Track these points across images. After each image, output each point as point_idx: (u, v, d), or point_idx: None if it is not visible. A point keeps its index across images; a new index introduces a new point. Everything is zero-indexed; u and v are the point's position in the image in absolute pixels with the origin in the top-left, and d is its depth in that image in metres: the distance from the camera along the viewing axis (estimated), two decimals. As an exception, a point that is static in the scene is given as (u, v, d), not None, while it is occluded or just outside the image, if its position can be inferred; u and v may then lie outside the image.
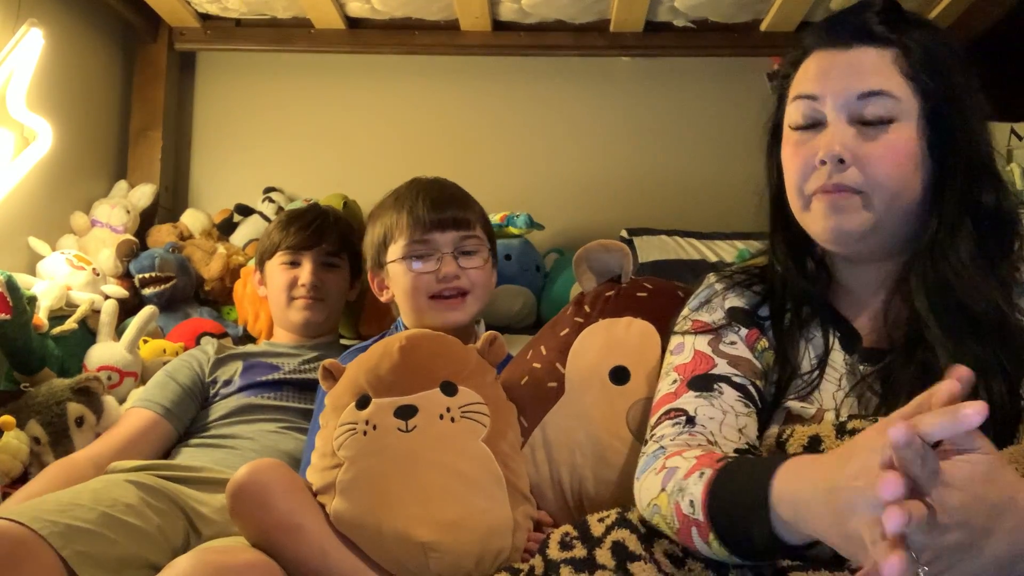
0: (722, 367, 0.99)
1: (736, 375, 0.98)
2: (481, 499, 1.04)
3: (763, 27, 2.19)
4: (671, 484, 0.84)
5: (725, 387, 0.97)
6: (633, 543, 0.89)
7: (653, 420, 0.98)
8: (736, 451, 0.91)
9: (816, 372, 0.97)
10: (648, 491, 0.88)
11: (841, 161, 0.91)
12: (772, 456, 0.79)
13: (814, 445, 0.89)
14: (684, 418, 0.94)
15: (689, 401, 0.96)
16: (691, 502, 0.80)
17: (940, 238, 0.91)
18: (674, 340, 1.06)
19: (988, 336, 0.87)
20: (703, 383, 0.97)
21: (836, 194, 0.93)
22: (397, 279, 1.40)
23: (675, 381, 1.00)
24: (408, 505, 1.01)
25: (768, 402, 0.99)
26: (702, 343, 1.02)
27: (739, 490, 0.76)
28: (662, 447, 0.92)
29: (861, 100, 0.92)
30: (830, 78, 0.94)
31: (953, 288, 0.90)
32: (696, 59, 2.30)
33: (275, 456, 1.36)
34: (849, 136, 0.92)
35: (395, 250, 1.40)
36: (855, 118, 0.92)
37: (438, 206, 1.39)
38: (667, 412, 0.97)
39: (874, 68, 0.92)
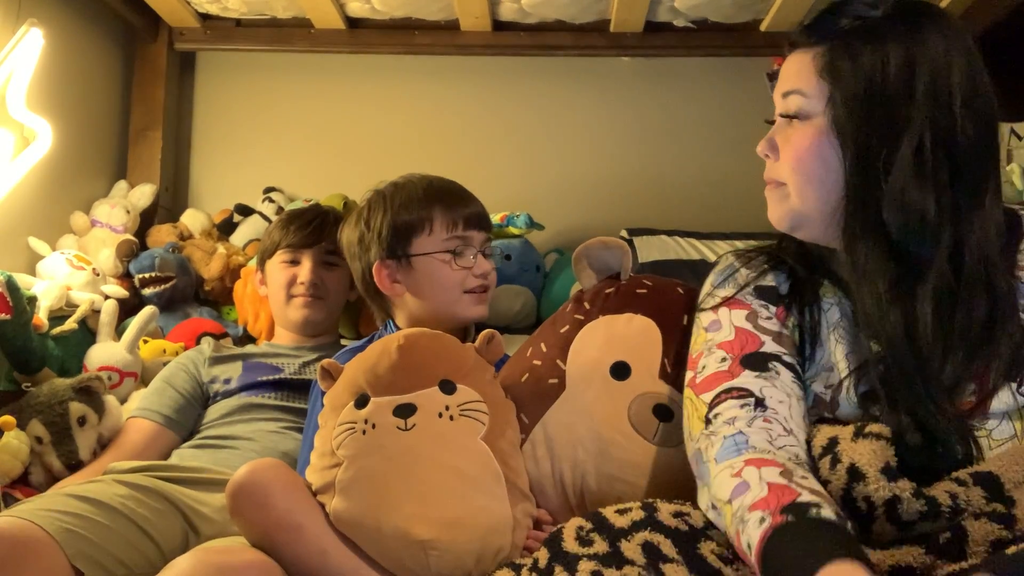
0: (769, 345, 1.00)
1: (785, 354, 1.00)
2: (481, 497, 1.04)
3: (763, 27, 2.19)
4: (737, 503, 0.84)
5: (780, 367, 0.98)
6: (667, 547, 0.88)
7: (708, 396, 0.97)
8: (806, 440, 0.94)
9: (811, 331, 1.01)
10: (720, 490, 0.88)
11: (767, 156, 1.02)
12: (824, 540, 0.77)
13: (831, 447, 0.90)
14: (752, 400, 0.94)
15: (751, 381, 0.96)
16: (748, 544, 0.81)
17: (858, 230, 0.95)
18: (706, 317, 1.06)
19: (886, 344, 0.92)
20: (758, 362, 0.98)
21: (767, 186, 1.04)
22: (429, 271, 1.40)
23: (725, 359, 0.99)
24: (408, 503, 1.01)
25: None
26: (740, 319, 1.03)
27: (788, 568, 0.76)
28: (742, 432, 0.91)
29: (784, 98, 1.00)
30: (777, 82, 1.03)
31: (857, 291, 0.95)
32: (696, 59, 2.30)
33: (275, 456, 1.36)
34: (775, 132, 1.01)
35: (429, 243, 1.40)
36: (784, 119, 1.00)
37: (472, 204, 1.43)
38: (728, 390, 0.96)
39: (796, 68, 0.99)
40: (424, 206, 1.41)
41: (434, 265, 1.39)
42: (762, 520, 0.79)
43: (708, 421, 0.95)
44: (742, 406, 0.94)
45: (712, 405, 0.96)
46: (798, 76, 0.98)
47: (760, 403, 0.94)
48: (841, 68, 0.94)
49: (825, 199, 0.96)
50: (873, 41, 0.94)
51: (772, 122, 1.04)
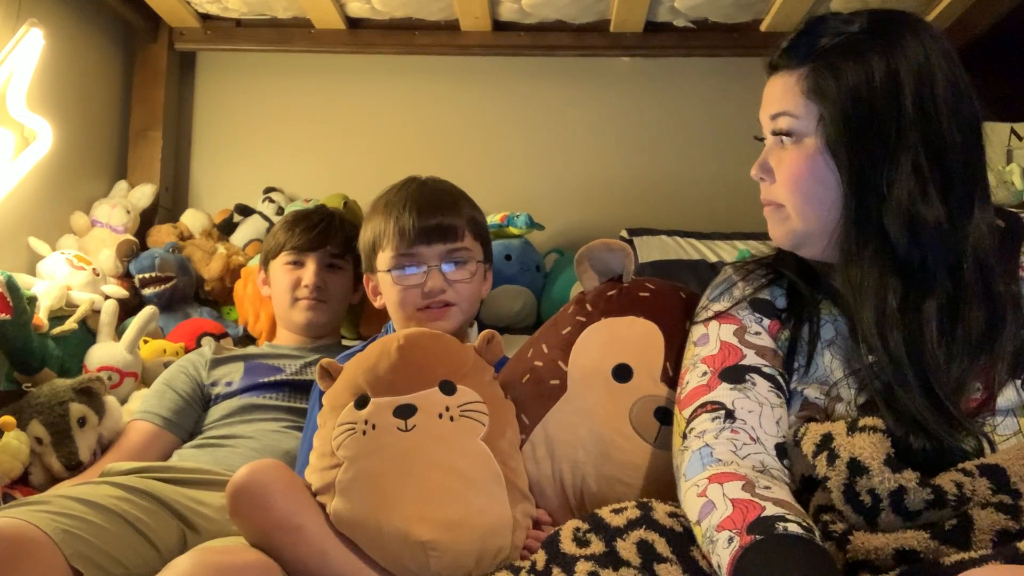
0: (751, 358, 1.01)
1: (765, 365, 1.00)
2: (481, 498, 1.04)
3: (763, 27, 2.19)
4: (706, 524, 0.85)
5: (757, 378, 0.98)
6: (661, 546, 0.89)
7: (687, 412, 0.99)
8: (776, 445, 0.94)
9: (808, 345, 1.01)
10: (689, 508, 0.90)
11: (762, 179, 1.03)
12: (792, 560, 0.77)
13: (826, 443, 0.90)
14: (723, 412, 0.96)
15: (724, 394, 0.97)
16: (719, 565, 0.82)
17: (854, 247, 0.95)
18: (697, 331, 1.08)
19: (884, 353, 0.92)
20: (735, 374, 0.99)
21: (766, 207, 1.04)
22: (386, 289, 1.39)
23: (705, 373, 1.01)
24: (408, 504, 1.01)
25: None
26: (727, 333, 1.04)
27: None
28: (708, 445, 0.93)
29: (773, 120, 1.00)
30: (762, 104, 1.03)
31: (856, 307, 0.96)
32: (696, 59, 2.30)
33: (276, 455, 1.37)
34: (767, 155, 1.02)
35: (383, 259, 1.38)
36: (775, 139, 1.00)
37: (424, 216, 1.35)
38: (703, 405, 0.98)
39: (782, 90, 1.00)
40: (380, 219, 1.38)
41: (387, 282, 1.37)
42: (730, 540, 0.80)
43: (684, 436, 0.97)
44: (713, 419, 0.96)
45: (689, 420, 0.98)
46: (784, 98, 0.99)
47: (730, 415, 0.95)
48: (827, 88, 0.95)
49: (826, 217, 0.97)
50: (854, 57, 0.94)
51: (761, 139, 1.04)
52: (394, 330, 1.43)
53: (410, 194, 1.39)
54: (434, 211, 1.36)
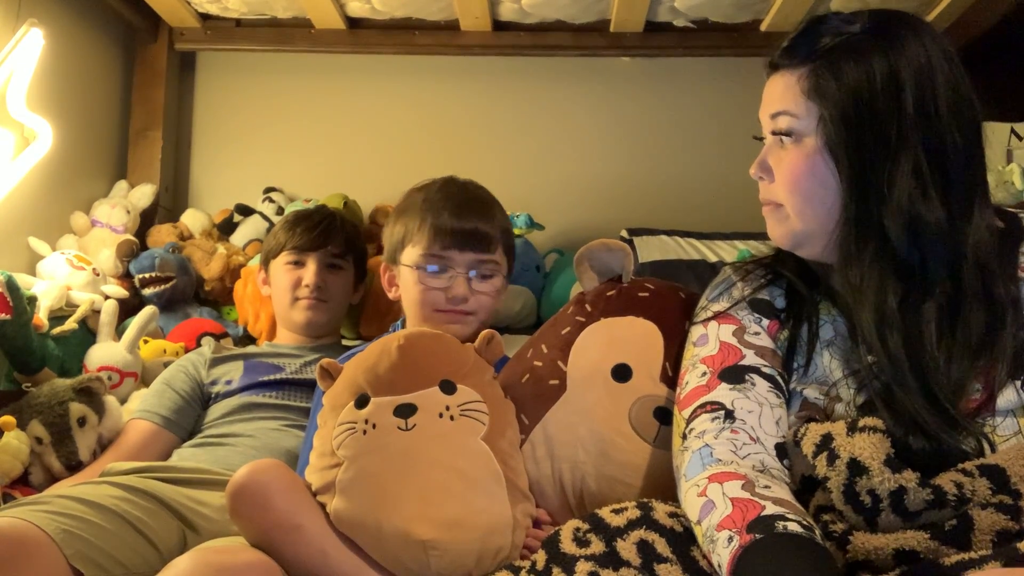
0: (750, 358, 1.01)
1: (765, 366, 1.00)
2: (481, 497, 1.04)
3: (763, 27, 2.18)
4: (706, 523, 0.86)
5: (756, 378, 0.99)
6: (662, 546, 0.89)
7: (687, 412, 0.99)
8: (776, 445, 0.94)
9: (807, 345, 1.01)
10: (689, 508, 0.90)
11: (761, 178, 1.03)
12: (792, 559, 0.77)
13: (826, 443, 0.90)
14: (723, 412, 0.96)
15: (724, 394, 0.97)
16: (719, 564, 0.82)
17: (854, 248, 0.95)
18: (696, 331, 1.08)
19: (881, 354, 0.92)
20: (734, 375, 0.99)
21: (765, 207, 1.04)
22: (407, 284, 1.39)
23: (705, 373, 1.01)
24: (408, 504, 1.02)
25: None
26: (726, 334, 1.04)
27: None
28: (708, 445, 0.93)
29: (773, 120, 1.00)
30: (762, 103, 1.03)
31: (855, 308, 0.95)
32: (696, 59, 2.30)
33: (276, 453, 1.37)
34: (766, 154, 1.02)
35: (410, 254, 1.38)
36: (775, 139, 1.00)
37: (462, 220, 1.36)
38: (703, 405, 0.98)
39: (782, 89, 0.99)
40: (415, 216, 1.38)
41: (410, 278, 1.38)
42: (730, 539, 0.80)
43: (684, 436, 0.98)
44: (713, 419, 0.96)
45: (688, 420, 0.98)
46: (784, 98, 0.98)
47: (730, 415, 0.95)
48: (827, 88, 0.95)
49: (825, 218, 0.97)
50: (855, 57, 0.94)
51: (761, 138, 1.04)
52: (404, 327, 1.43)
53: (450, 195, 1.39)
54: (472, 216, 1.37)
